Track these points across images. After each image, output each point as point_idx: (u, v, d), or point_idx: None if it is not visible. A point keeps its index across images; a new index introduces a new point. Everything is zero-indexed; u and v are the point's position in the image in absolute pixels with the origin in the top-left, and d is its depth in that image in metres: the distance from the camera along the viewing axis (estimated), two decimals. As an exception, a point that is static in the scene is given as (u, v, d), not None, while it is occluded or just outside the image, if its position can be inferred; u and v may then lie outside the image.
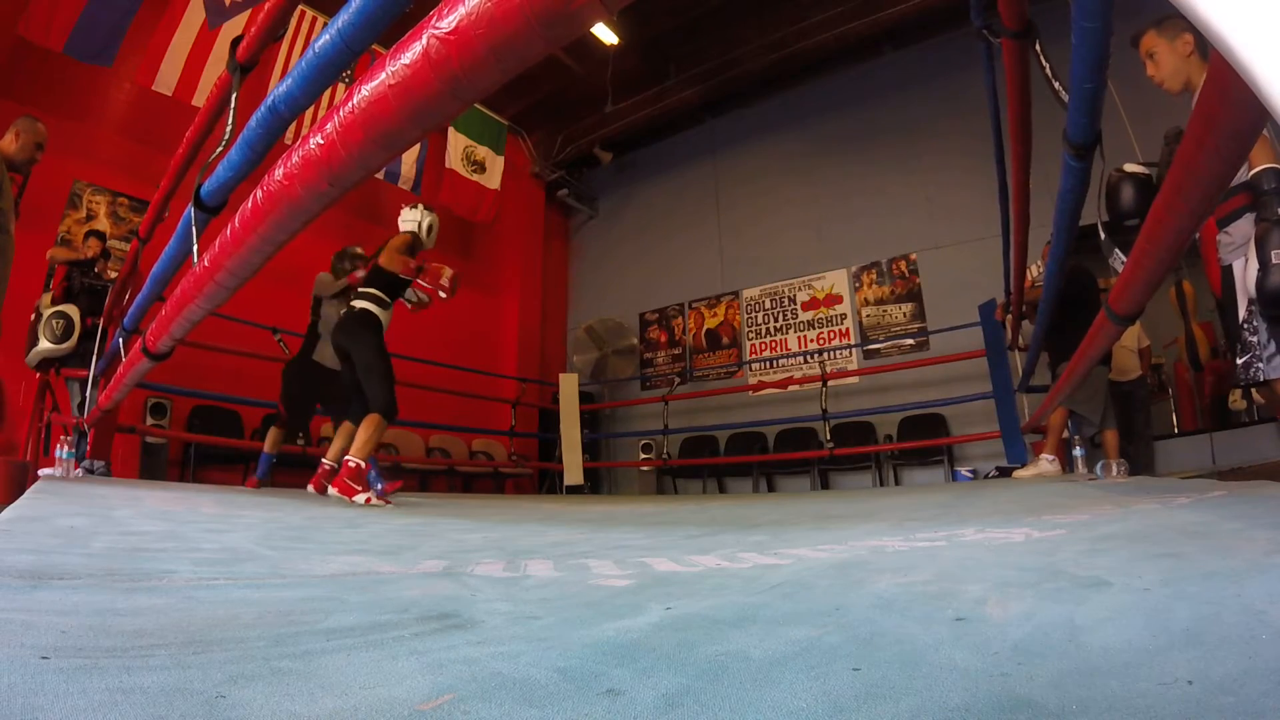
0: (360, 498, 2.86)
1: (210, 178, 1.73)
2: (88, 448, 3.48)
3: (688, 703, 0.45)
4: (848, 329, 7.31)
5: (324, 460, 3.32)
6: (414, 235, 3.48)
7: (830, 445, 6.25)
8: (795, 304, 7.70)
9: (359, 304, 3.31)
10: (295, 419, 4.22)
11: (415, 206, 3.59)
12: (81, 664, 0.51)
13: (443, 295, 3.19)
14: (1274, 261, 1.60)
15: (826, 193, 7.66)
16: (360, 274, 3.67)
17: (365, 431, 3.02)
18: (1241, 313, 1.84)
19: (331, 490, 2.93)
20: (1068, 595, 0.71)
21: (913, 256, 7.03)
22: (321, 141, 1.03)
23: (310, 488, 3.31)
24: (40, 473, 3.18)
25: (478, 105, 7.07)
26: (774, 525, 1.91)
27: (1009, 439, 5.12)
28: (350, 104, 0.96)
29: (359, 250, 4.27)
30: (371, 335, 3.26)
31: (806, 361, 7.39)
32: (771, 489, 7.12)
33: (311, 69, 1.31)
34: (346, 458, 2.98)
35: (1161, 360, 6.19)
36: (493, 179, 7.84)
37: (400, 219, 3.56)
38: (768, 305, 7.89)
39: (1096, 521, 1.40)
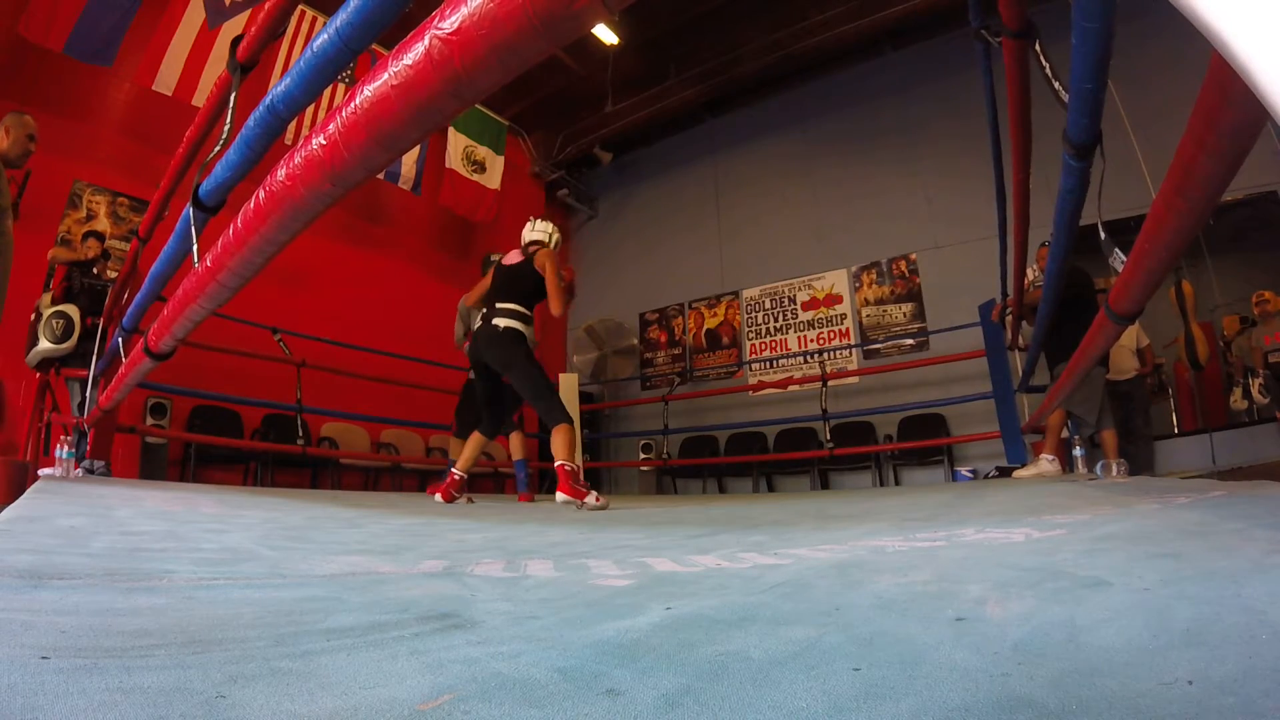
0: (590, 498, 2.86)
1: (209, 177, 1.73)
2: (88, 448, 3.48)
3: (688, 703, 0.45)
4: (848, 329, 7.31)
5: (454, 470, 3.37)
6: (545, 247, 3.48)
7: (830, 445, 6.25)
8: (795, 304, 7.71)
9: (504, 322, 3.25)
10: (465, 429, 4.45)
11: (541, 219, 3.63)
12: (81, 664, 0.51)
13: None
14: None
15: (826, 193, 7.67)
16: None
17: (562, 441, 3.02)
18: None
19: (560, 495, 2.89)
20: (1068, 595, 0.71)
21: (913, 256, 7.03)
22: (324, 141, 1.03)
23: (437, 497, 3.35)
24: (40, 473, 3.18)
25: (478, 105, 7.07)
26: (774, 525, 1.91)
27: (1009, 439, 5.12)
28: (353, 104, 0.96)
29: (497, 256, 4.57)
30: (522, 355, 3.26)
31: (806, 361, 7.39)
32: (771, 489, 7.12)
33: (310, 68, 1.31)
34: (561, 463, 2.95)
35: (1162, 360, 6.19)
36: (493, 179, 7.84)
37: (529, 230, 3.55)
38: (768, 305, 7.90)
39: (1096, 521, 1.39)
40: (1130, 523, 1.37)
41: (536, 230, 3.54)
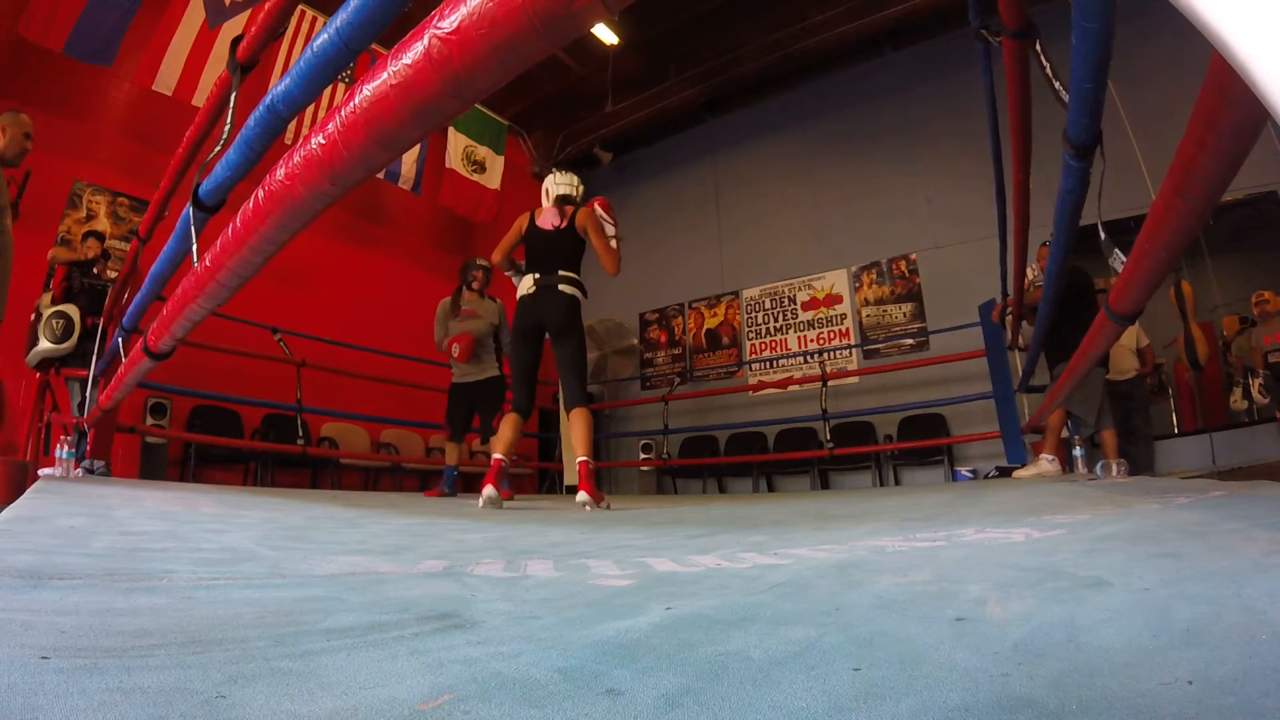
0: (604, 504, 2.79)
1: (208, 177, 1.73)
2: (88, 448, 3.48)
3: (688, 703, 0.45)
4: (848, 329, 7.31)
5: (497, 455, 3.10)
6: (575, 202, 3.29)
7: (830, 445, 6.25)
8: (795, 304, 7.71)
9: (567, 289, 3.11)
10: (457, 433, 4.53)
11: (563, 171, 3.41)
12: (81, 664, 0.51)
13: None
14: None
15: (826, 193, 7.67)
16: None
17: (584, 430, 2.95)
18: None
19: (581, 495, 2.79)
20: (1068, 595, 0.71)
21: (913, 256, 7.03)
22: (323, 141, 1.03)
23: (488, 487, 3.05)
24: (40, 473, 3.18)
25: (478, 105, 7.07)
26: (774, 525, 1.91)
27: (1009, 439, 5.13)
28: (352, 103, 0.96)
29: (483, 261, 4.48)
30: (581, 328, 3.13)
31: (806, 361, 7.39)
32: (771, 489, 7.12)
33: (310, 68, 1.31)
34: (584, 460, 2.81)
35: (1162, 360, 6.20)
36: (493, 179, 7.84)
37: (553, 183, 3.32)
38: (768, 305, 7.90)
39: (1096, 521, 1.39)
40: (1130, 523, 1.37)
41: (560, 184, 3.30)
